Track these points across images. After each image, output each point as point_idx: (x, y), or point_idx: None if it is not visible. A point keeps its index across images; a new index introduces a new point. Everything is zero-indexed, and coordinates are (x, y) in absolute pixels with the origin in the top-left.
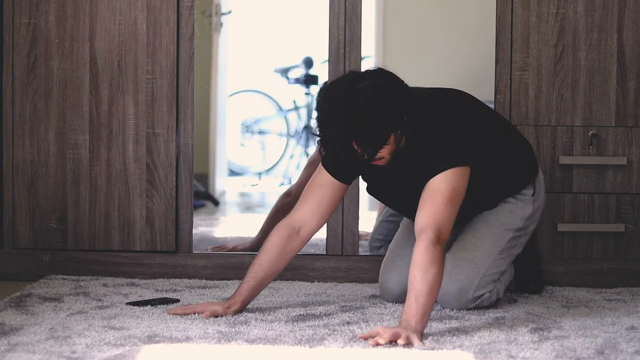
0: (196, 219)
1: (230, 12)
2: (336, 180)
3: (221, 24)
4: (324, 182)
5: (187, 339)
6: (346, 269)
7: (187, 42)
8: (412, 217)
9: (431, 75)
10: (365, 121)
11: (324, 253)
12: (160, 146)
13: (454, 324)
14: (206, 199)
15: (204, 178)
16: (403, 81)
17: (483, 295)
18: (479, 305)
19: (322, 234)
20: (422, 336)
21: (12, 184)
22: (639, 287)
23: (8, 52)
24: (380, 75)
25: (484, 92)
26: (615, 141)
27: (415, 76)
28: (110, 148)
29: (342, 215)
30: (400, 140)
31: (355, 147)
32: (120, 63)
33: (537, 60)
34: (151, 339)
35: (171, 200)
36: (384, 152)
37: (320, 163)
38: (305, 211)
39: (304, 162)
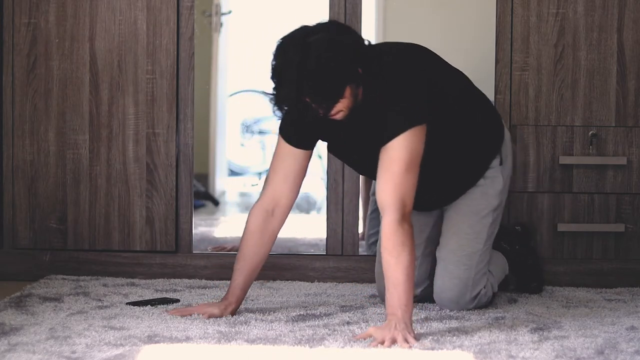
0: (196, 219)
1: (230, 12)
2: (297, 149)
3: (221, 24)
4: (286, 153)
5: (187, 339)
6: (346, 269)
7: (187, 42)
8: (373, 176)
9: None
10: (318, 76)
11: (324, 253)
12: (160, 146)
13: (454, 324)
14: (206, 199)
15: (204, 178)
16: (357, 33)
17: (479, 292)
18: (477, 305)
19: (322, 234)
20: (412, 324)
21: (12, 184)
22: (639, 287)
23: (8, 52)
24: (333, 27)
25: (484, 92)
26: (615, 141)
27: None
28: (110, 148)
29: (342, 215)
30: (357, 93)
31: (311, 104)
32: (120, 63)
33: (537, 60)
34: (151, 339)
35: (171, 200)
36: (341, 106)
37: (279, 134)
38: (274, 189)
39: None
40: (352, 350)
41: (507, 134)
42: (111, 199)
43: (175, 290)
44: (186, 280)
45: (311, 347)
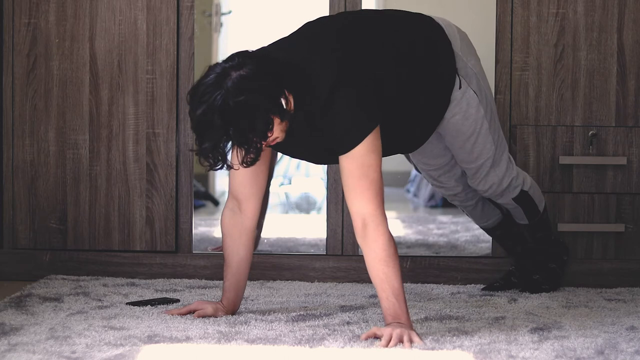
0: (196, 219)
1: (230, 12)
2: None
3: (221, 24)
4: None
5: (187, 339)
6: (346, 269)
7: (187, 42)
8: (318, 163)
9: None
10: (240, 128)
11: (324, 253)
12: (160, 146)
13: (454, 324)
14: (206, 199)
15: (204, 178)
16: (268, 57)
17: (511, 180)
18: (513, 186)
19: (322, 234)
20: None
21: (12, 184)
22: (639, 287)
23: (8, 52)
24: (241, 63)
25: None
26: (615, 141)
27: None
28: (110, 148)
29: (342, 215)
30: (288, 118)
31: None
32: (120, 63)
33: (537, 60)
34: (151, 339)
35: (171, 200)
36: (275, 135)
37: None
38: (233, 188)
39: (304, 162)
40: (352, 350)
41: (454, 49)
42: (111, 199)
43: (175, 290)
44: (186, 280)
45: (311, 347)
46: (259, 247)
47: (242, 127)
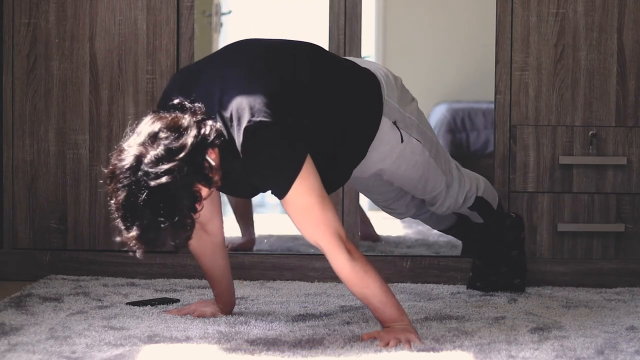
0: None
1: (230, 12)
2: None
3: (221, 24)
4: None
5: (187, 339)
6: None
7: (187, 42)
8: (246, 197)
9: (431, 75)
10: (166, 211)
11: None
12: None
13: (454, 324)
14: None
15: None
16: (185, 111)
17: (466, 194)
18: (468, 197)
19: None
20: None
21: (12, 184)
22: (639, 287)
23: (8, 52)
24: (154, 136)
25: (484, 92)
26: (615, 141)
27: (416, 76)
28: (110, 148)
29: (342, 215)
30: (214, 183)
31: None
32: (120, 63)
33: (537, 60)
34: (151, 339)
35: None
36: (204, 196)
37: None
38: (199, 218)
39: None
40: (352, 351)
41: (397, 114)
42: None
43: (175, 290)
44: (186, 280)
45: (311, 347)
46: (259, 247)
47: (168, 210)
